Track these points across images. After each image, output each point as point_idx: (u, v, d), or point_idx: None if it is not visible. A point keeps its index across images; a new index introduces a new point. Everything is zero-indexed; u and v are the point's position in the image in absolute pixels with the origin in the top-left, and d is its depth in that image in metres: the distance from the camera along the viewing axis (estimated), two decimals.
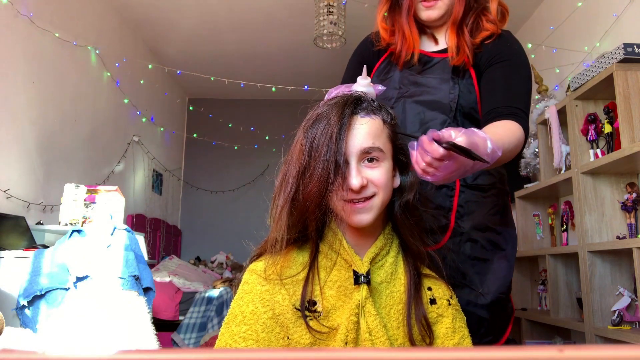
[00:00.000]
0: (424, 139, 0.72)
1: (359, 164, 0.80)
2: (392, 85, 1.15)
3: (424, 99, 1.12)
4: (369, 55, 1.21)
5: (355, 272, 0.82)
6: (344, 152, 0.78)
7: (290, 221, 0.82)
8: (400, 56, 1.15)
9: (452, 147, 0.69)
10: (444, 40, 1.17)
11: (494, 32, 1.12)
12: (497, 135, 0.84)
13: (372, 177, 0.80)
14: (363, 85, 0.90)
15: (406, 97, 1.12)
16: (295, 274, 0.83)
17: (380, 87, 0.93)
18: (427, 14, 1.13)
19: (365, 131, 0.81)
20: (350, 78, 1.13)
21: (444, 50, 1.15)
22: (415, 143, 0.75)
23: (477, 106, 1.11)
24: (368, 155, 0.81)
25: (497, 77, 1.08)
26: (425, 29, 1.18)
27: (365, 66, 0.95)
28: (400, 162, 0.87)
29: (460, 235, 1.08)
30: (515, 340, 3.04)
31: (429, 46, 1.18)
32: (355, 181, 0.78)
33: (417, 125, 1.10)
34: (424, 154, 0.72)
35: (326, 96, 0.93)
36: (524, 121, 1.01)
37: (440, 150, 0.70)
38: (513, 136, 0.93)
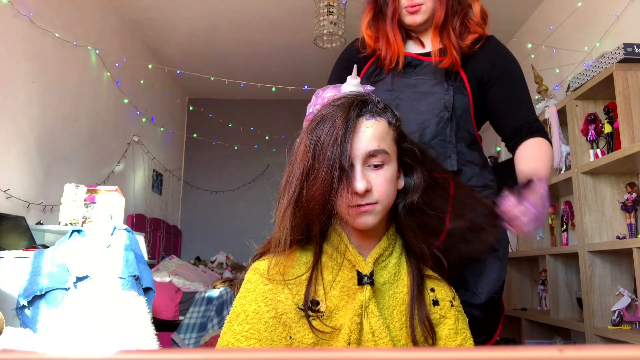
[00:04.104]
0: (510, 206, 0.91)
1: (364, 167, 0.80)
2: (385, 87, 1.16)
3: (419, 100, 1.13)
4: (355, 61, 1.22)
5: (358, 273, 0.82)
6: (348, 155, 0.78)
7: (294, 222, 0.81)
8: (386, 62, 1.17)
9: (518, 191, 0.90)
10: (430, 44, 1.19)
11: (482, 35, 1.17)
12: (541, 166, 1.07)
13: (375, 182, 0.80)
14: (353, 84, 0.90)
15: (400, 99, 1.13)
16: (299, 274, 0.83)
17: (369, 87, 0.93)
18: (412, 18, 1.16)
19: (370, 134, 0.80)
20: (336, 82, 1.14)
21: (431, 54, 1.18)
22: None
23: (470, 107, 1.15)
24: (373, 158, 0.80)
25: (504, 95, 1.16)
26: (411, 33, 1.21)
27: (355, 65, 0.96)
28: (405, 163, 0.87)
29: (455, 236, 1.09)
30: (515, 340, 3.04)
31: (416, 49, 1.20)
32: (360, 185, 0.77)
33: (414, 125, 1.11)
34: (519, 216, 0.90)
35: (313, 97, 0.93)
36: (541, 129, 1.15)
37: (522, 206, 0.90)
38: (548, 154, 1.11)
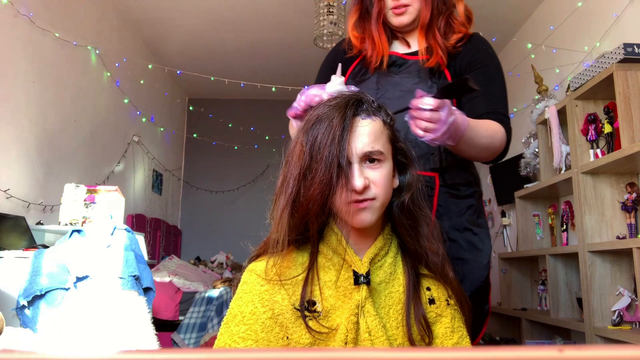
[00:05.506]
0: (415, 100, 0.85)
1: (361, 165, 0.81)
2: (369, 86, 1.18)
3: (403, 98, 1.14)
4: (341, 61, 1.23)
5: (355, 273, 0.82)
6: (346, 153, 0.78)
7: (292, 222, 0.81)
8: (371, 61, 1.18)
9: (441, 91, 0.82)
10: (416, 44, 1.21)
11: (466, 34, 1.18)
12: (475, 123, 0.96)
13: (373, 178, 0.81)
14: (337, 83, 0.91)
15: (386, 98, 1.15)
16: (295, 274, 0.83)
17: (353, 88, 0.94)
18: (399, 20, 1.17)
19: (366, 133, 0.81)
20: (322, 83, 1.15)
21: (417, 53, 1.19)
22: (411, 113, 0.87)
23: (454, 105, 1.13)
24: (370, 156, 0.81)
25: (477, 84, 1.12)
26: (396, 33, 1.22)
27: (340, 64, 0.97)
28: (400, 162, 0.88)
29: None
30: (515, 340, 3.04)
31: (402, 49, 1.22)
32: (358, 182, 0.78)
33: (399, 124, 1.11)
34: (421, 112, 0.85)
35: (298, 95, 0.94)
36: (505, 124, 1.09)
37: (432, 101, 0.83)
38: (490, 128, 1.04)
